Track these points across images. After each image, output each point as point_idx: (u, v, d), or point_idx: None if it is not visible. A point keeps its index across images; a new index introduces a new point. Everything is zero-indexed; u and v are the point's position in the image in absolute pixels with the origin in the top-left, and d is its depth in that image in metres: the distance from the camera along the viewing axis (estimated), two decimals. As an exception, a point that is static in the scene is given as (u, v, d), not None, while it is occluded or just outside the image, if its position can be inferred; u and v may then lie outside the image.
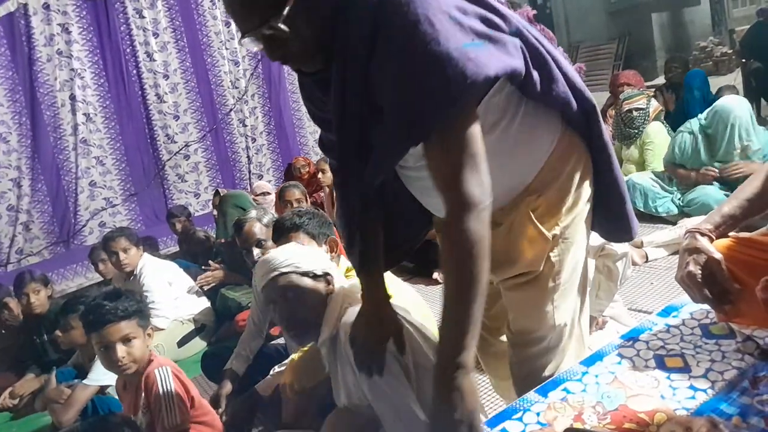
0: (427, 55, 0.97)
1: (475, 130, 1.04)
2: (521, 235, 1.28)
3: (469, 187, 1.01)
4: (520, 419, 1.19)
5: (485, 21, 1.05)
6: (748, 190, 1.37)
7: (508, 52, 1.06)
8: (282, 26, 1.00)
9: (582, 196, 1.30)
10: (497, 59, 1.03)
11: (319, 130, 1.35)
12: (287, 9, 1.00)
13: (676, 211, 3.71)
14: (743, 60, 6.26)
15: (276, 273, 1.50)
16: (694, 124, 3.70)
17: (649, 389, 1.21)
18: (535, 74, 1.13)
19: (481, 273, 1.03)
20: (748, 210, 1.36)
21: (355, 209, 1.28)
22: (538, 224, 1.26)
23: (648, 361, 1.33)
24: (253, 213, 2.83)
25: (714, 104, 3.63)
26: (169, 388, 1.84)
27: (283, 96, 5.67)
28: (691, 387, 1.21)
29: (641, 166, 4.19)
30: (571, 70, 1.22)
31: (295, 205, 3.72)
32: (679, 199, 3.73)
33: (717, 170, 3.54)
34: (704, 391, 1.19)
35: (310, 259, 1.57)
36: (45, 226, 5.16)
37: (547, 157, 1.24)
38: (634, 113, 4.14)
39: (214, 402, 2.21)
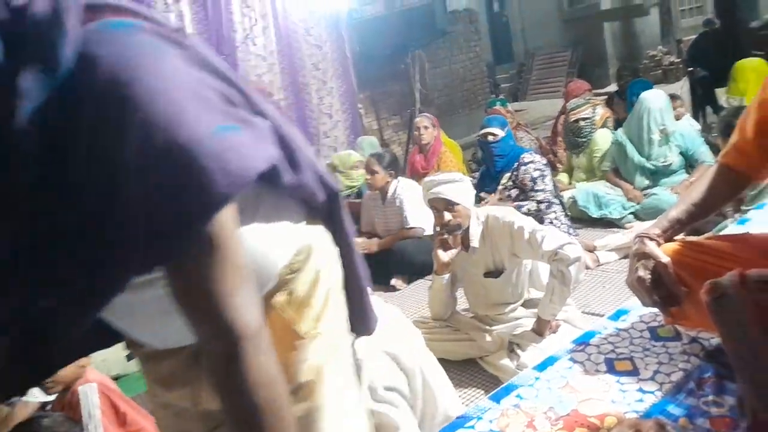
0: (170, 146, 0.69)
1: (236, 234, 0.79)
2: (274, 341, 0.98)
3: (240, 312, 0.77)
4: (472, 427, 1.19)
5: (230, 101, 0.82)
6: (693, 194, 1.40)
7: (266, 138, 0.85)
8: None
9: (334, 286, 1.07)
10: (260, 147, 0.80)
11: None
12: None
13: (628, 214, 3.81)
14: (690, 69, 6.48)
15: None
16: (618, 134, 4.04)
17: (600, 393, 1.23)
18: (284, 163, 0.91)
19: (281, 424, 0.80)
20: (694, 214, 1.38)
21: None
22: (292, 325, 0.99)
23: (599, 365, 1.34)
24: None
25: (636, 101, 3.98)
26: (92, 405, 1.78)
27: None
28: (640, 390, 1.23)
29: (590, 173, 4.31)
30: (314, 157, 1.03)
31: None
32: (630, 204, 3.85)
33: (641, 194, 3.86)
34: (652, 393, 1.21)
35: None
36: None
37: (296, 248, 1.00)
38: (581, 123, 4.29)
39: None
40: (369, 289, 2.01)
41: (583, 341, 1.44)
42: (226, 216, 0.77)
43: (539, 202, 3.45)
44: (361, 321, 1.20)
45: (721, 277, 1.02)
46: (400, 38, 5.96)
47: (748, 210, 2.76)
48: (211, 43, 5.32)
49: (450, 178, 2.46)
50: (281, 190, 0.94)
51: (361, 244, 3.65)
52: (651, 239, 1.34)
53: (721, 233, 1.98)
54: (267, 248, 0.96)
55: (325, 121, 6.11)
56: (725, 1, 6.90)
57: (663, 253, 1.31)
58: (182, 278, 0.77)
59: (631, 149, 3.92)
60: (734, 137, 1.40)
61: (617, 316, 1.54)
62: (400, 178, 3.70)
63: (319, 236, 1.04)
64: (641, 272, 1.30)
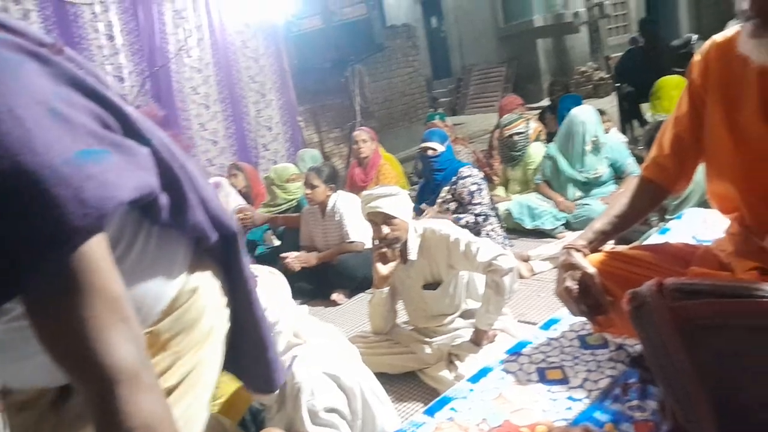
0: (16, 172, 0.63)
1: (106, 264, 0.72)
2: None
3: (111, 352, 0.69)
4: (407, 442, 1.18)
5: (102, 122, 0.76)
6: (616, 206, 1.46)
7: (142, 165, 0.78)
8: None
9: (213, 334, 0.98)
10: (130, 174, 0.74)
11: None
12: None
13: (560, 225, 3.94)
14: (617, 84, 6.78)
15: None
16: (551, 148, 4.20)
17: (531, 403, 1.25)
18: (164, 197, 0.84)
19: None
20: (618, 225, 1.44)
21: None
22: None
23: (531, 374, 1.36)
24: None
25: (567, 116, 4.15)
26: None
27: (172, 114, 5.37)
28: (570, 398, 1.26)
29: (525, 185, 4.45)
30: (210, 193, 0.96)
31: None
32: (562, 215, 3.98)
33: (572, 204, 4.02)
34: (581, 400, 1.24)
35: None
36: None
37: (176, 292, 0.92)
38: (515, 137, 4.43)
39: None
40: (305, 309, 1.97)
41: (515, 351, 1.47)
42: (94, 248, 0.70)
43: (477, 215, 3.53)
44: (261, 377, 1.10)
45: (640, 287, 1.06)
46: (339, 52, 5.99)
47: (671, 219, 2.91)
48: (143, 54, 5.18)
49: (387, 192, 2.47)
50: (167, 225, 0.87)
51: (299, 257, 3.60)
52: (577, 250, 1.39)
53: (645, 242, 2.07)
54: (144, 287, 0.86)
55: (264, 133, 6.04)
56: (648, 21, 7.28)
57: (589, 263, 1.36)
58: (43, 317, 0.69)
59: (563, 162, 4.07)
60: (653, 152, 1.47)
61: (548, 325, 1.58)
62: (339, 191, 3.68)
63: (204, 282, 0.95)
64: (569, 283, 1.34)
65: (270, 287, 1.73)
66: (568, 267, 1.36)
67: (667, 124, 1.43)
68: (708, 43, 1.37)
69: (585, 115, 4.05)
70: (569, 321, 1.55)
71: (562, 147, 4.11)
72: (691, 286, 1.04)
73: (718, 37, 1.35)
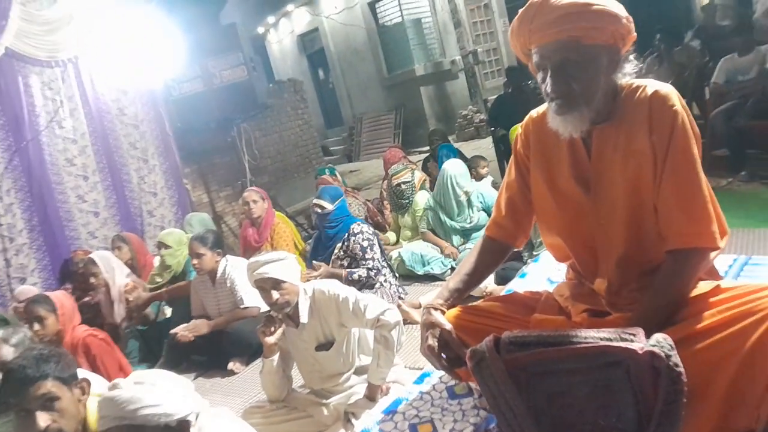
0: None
1: None
2: None
3: None
4: None
5: None
6: (466, 265, 1.60)
7: None
8: None
9: None
10: None
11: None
12: None
13: (448, 269, 4.14)
14: (491, 128, 7.24)
15: None
16: (429, 200, 4.44)
17: (402, 461, 1.32)
18: None
19: None
20: (469, 282, 1.58)
21: None
22: None
23: (404, 432, 1.45)
24: (-1, 333, 2.50)
25: (440, 171, 4.38)
26: None
27: (46, 188, 5.18)
28: (437, 451, 1.35)
29: (415, 231, 4.65)
30: None
31: None
32: (448, 259, 4.19)
33: (456, 248, 4.25)
34: (447, 452, 1.33)
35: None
36: None
37: None
38: (402, 186, 4.68)
39: None
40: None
41: (391, 410, 1.55)
42: None
43: (369, 269, 3.64)
44: None
45: (479, 344, 1.18)
46: (223, 112, 6.01)
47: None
48: (9, 128, 4.92)
49: (274, 257, 2.49)
50: None
51: (189, 327, 3.50)
52: (435, 309, 1.51)
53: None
54: None
55: (149, 200, 5.87)
56: (512, 69, 7.89)
57: (446, 320, 1.48)
58: None
59: (442, 215, 4.30)
60: (493, 213, 1.64)
61: (421, 379, 1.68)
62: (228, 256, 3.65)
63: None
64: (430, 341, 1.45)
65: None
66: (429, 325, 1.48)
67: (502, 188, 1.61)
68: (527, 117, 1.58)
69: (453, 168, 4.28)
70: (439, 373, 1.66)
71: (440, 200, 4.32)
72: (522, 339, 1.18)
73: (534, 113, 1.56)
